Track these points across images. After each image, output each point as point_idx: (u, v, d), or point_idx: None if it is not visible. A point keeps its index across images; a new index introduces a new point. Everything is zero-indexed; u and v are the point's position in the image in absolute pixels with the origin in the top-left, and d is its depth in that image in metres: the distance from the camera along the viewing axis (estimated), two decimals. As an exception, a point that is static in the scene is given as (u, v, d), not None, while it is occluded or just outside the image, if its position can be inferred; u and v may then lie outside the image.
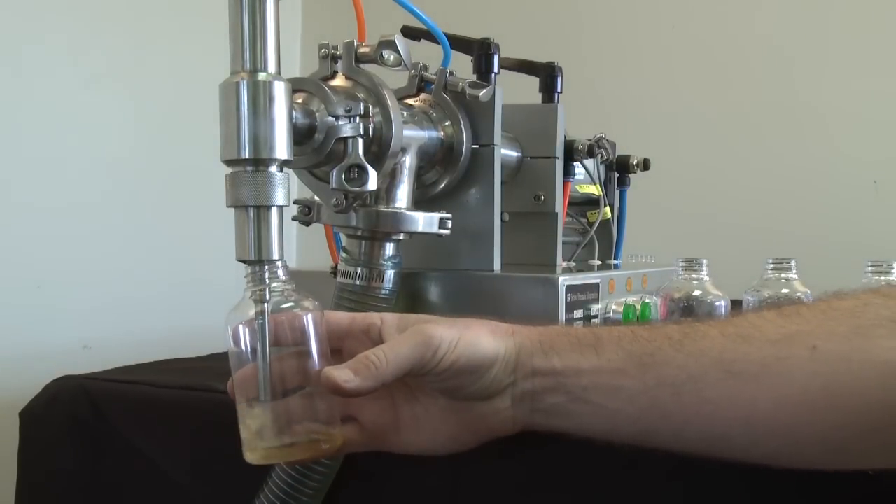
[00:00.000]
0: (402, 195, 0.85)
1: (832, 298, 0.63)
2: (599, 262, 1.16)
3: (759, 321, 0.62)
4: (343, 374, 0.60)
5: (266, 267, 0.63)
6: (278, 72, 0.67)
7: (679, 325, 0.63)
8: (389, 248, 0.85)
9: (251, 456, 0.63)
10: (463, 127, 0.92)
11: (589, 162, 1.10)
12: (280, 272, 0.64)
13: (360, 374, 0.61)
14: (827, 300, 0.63)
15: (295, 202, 0.85)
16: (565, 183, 1.05)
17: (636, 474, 0.74)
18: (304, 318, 0.63)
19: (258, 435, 0.62)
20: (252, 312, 0.62)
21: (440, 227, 0.86)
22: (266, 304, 0.63)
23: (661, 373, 0.61)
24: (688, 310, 0.86)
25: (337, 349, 0.67)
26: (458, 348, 0.62)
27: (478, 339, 0.63)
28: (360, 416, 0.67)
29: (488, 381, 0.63)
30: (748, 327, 0.61)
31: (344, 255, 0.86)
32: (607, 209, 1.18)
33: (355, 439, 0.67)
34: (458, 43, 0.96)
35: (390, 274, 0.84)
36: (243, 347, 0.62)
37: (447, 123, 0.92)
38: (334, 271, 0.88)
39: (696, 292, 0.87)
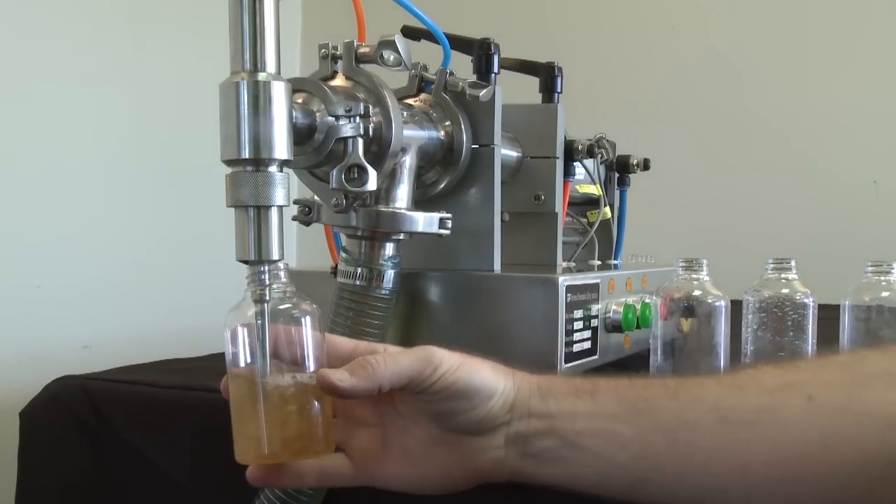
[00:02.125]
0: (402, 195, 0.85)
1: (829, 353, 0.63)
2: (599, 262, 1.16)
3: (755, 372, 0.61)
4: (338, 374, 0.60)
5: (266, 268, 0.63)
6: (278, 72, 0.67)
7: (676, 376, 0.63)
8: (389, 249, 0.85)
9: (242, 458, 0.62)
10: (463, 127, 0.92)
11: (589, 162, 1.10)
12: (281, 273, 0.63)
13: (357, 375, 0.60)
14: (823, 354, 0.62)
15: (295, 202, 0.85)
16: (565, 183, 1.05)
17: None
18: (303, 320, 0.62)
19: (250, 437, 0.62)
20: (251, 313, 0.62)
21: (440, 227, 0.86)
22: (265, 305, 0.62)
23: (655, 418, 0.60)
24: (688, 310, 0.86)
25: None
26: (459, 371, 0.61)
27: (479, 368, 0.63)
28: (348, 445, 0.66)
29: (483, 412, 0.62)
30: (744, 377, 0.61)
31: (344, 255, 0.85)
32: (607, 209, 1.18)
33: (343, 471, 0.66)
34: (458, 43, 0.96)
35: (390, 274, 0.84)
36: (240, 348, 0.62)
37: (447, 123, 0.92)
38: (334, 271, 0.88)
39: (696, 292, 0.87)
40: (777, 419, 0.58)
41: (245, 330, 0.62)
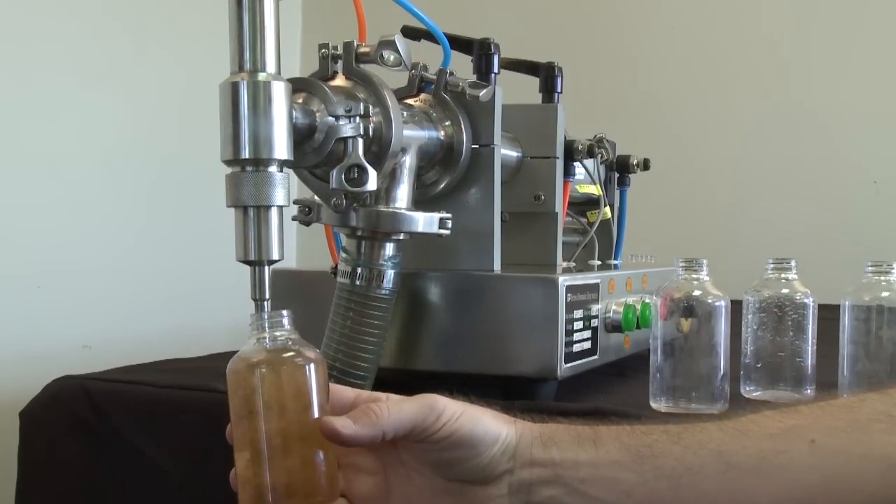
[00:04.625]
0: (402, 195, 0.85)
1: (829, 397, 0.63)
2: (599, 262, 1.16)
3: (757, 416, 0.61)
4: (341, 421, 0.60)
5: (268, 315, 0.62)
6: (278, 72, 0.67)
7: (677, 422, 0.63)
8: (389, 249, 0.85)
9: None
10: (463, 127, 0.92)
11: (589, 162, 1.10)
12: (284, 321, 0.62)
13: (360, 422, 0.60)
14: (824, 398, 0.63)
15: (295, 202, 0.85)
16: (565, 183, 1.05)
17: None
18: (306, 368, 0.61)
19: (254, 486, 0.61)
20: (254, 360, 0.61)
21: (440, 227, 0.86)
22: (267, 353, 0.61)
23: (658, 464, 0.60)
24: (688, 310, 0.86)
25: None
26: (461, 419, 0.61)
27: (481, 416, 0.62)
28: (351, 493, 0.65)
29: (485, 460, 0.62)
30: (746, 422, 0.61)
31: (344, 255, 0.85)
32: (607, 209, 1.18)
33: None
34: (458, 43, 0.96)
35: (390, 274, 0.84)
36: (242, 396, 0.61)
37: (447, 123, 0.92)
38: (334, 271, 0.88)
39: (696, 292, 0.87)
40: (780, 464, 0.58)
41: (247, 378, 0.61)
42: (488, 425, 0.62)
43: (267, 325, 0.62)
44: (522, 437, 0.62)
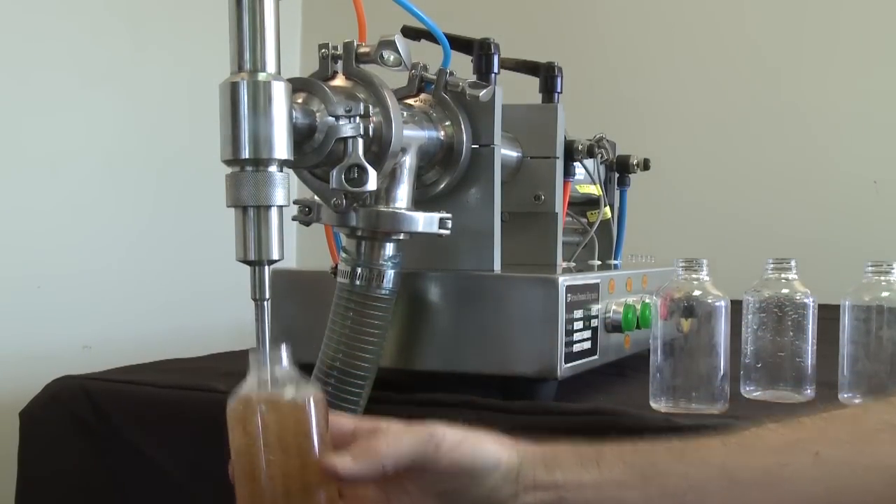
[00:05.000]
0: (402, 195, 0.85)
1: (833, 408, 0.63)
2: (599, 262, 1.16)
3: (760, 430, 0.61)
4: (341, 460, 0.59)
5: (268, 351, 0.62)
6: (278, 72, 0.67)
7: (680, 437, 0.62)
8: (389, 249, 0.85)
9: None
10: (463, 127, 0.92)
11: (589, 162, 1.10)
12: (283, 357, 0.62)
13: (359, 460, 0.59)
14: (828, 410, 0.62)
15: (295, 202, 0.85)
16: (565, 183, 1.05)
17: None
18: (306, 405, 0.61)
19: None
20: (254, 398, 0.61)
21: (440, 227, 0.86)
22: (268, 391, 0.61)
23: (662, 483, 0.60)
24: (688, 310, 0.86)
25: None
26: (461, 448, 0.61)
27: (481, 442, 0.62)
28: None
29: (489, 487, 0.61)
30: (750, 436, 0.61)
31: (344, 255, 0.85)
32: (607, 209, 1.18)
33: None
34: (458, 43, 0.96)
35: (390, 274, 0.84)
36: (241, 433, 0.61)
37: (447, 123, 0.92)
38: (334, 271, 0.88)
39: (696, 292, 0.87)
40: (785, 477, 0.58)
41: (245, 417, 0.61)
42: (489, 451, 0.61)
43: (266, 362, 0.62)
44: (525, 461, 0.62)
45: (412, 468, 0.60)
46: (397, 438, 0.60)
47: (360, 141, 0.78)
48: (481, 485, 0.61)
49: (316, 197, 0.84)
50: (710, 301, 0.87)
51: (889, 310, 0.89)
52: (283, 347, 0.62)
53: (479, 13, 2.00)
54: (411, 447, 0.60)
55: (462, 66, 0.95)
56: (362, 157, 0.78)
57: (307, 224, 0.87)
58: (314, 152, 0.78)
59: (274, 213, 0.66)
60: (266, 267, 0.66)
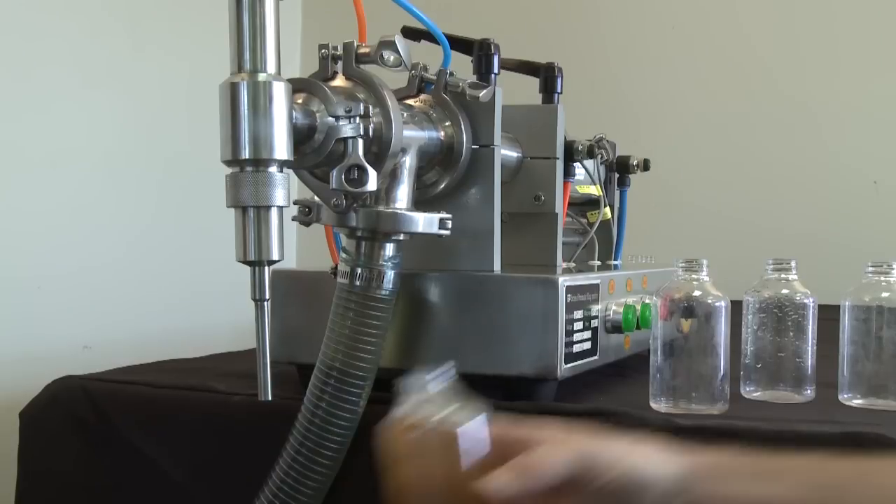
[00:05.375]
0: (402, 196, 0.85)
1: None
2: (599, 263, 1.16)
3: None
4: (500, 479, 0.57)
5: (436, 374, 0.61)
6: (278, 72, 0.67)
7: (864, 451, 0.59)
8: (389, 249, 0.84)
9: None
10: (463, 127, 0.92)
11: (589, 162, 1.10)
12: (447, 378, 0.61)
13: (515, 479, 0.57)
14: None
15: (295, 202, 0.85)
16: (565, 183, 1.05)
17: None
18: (476, 426, 0.60)
19: None
20: (417, 422, 0.60)
21: (440, 228, 0.86)
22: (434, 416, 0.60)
23: None
24: (688, 310, 0.86)
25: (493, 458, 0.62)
26: (620, 465, 0.58)
27: (643, 455, 0.59)
28: None
29: (648, 503, 0.58)
30: None
31: (344, 255, 0.85)
32: (607, 209, 1.18)
33: None
34: (458, 43, 0.96)
35: (390, 275, 0.84)
36: (404, 459, 0.60)
37: (447, 124, 0.92)
38: (334, 272, 0.88)
39: (696, 292, 0.87)
40: None
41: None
42: (650, 466, 0.58)
43: (431, 386, 0.61)
44: (690, 473, 0.59)
45: (568, 484, 0.58)
46: (554, 453, 0.58)
47: (360, 141, 0.78)
48: (640, 501, 0.58)
49: (316, 197, 0.84)
50: (710, 301, 0.87)
51: (889, 310, 0.89)
52: (449, 366, 0.61)
53: (479, 13, 2.00)
54: (567, 465, 0.58)
55: (462, 67, 0.95)
56: (362, 158, 0.78)
57: (307, 224, 0.87)
58: (314, 153, 0.78)
59: (274, 213, 0.66)
60: (266, 267, 0.66)
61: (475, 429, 0.60)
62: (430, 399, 0.61)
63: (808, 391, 0.92)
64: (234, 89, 0.65)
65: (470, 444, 0.60)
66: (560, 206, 1.04)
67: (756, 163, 1.92)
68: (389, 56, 0.83)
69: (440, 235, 0.86)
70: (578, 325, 0.91)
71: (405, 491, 0.60)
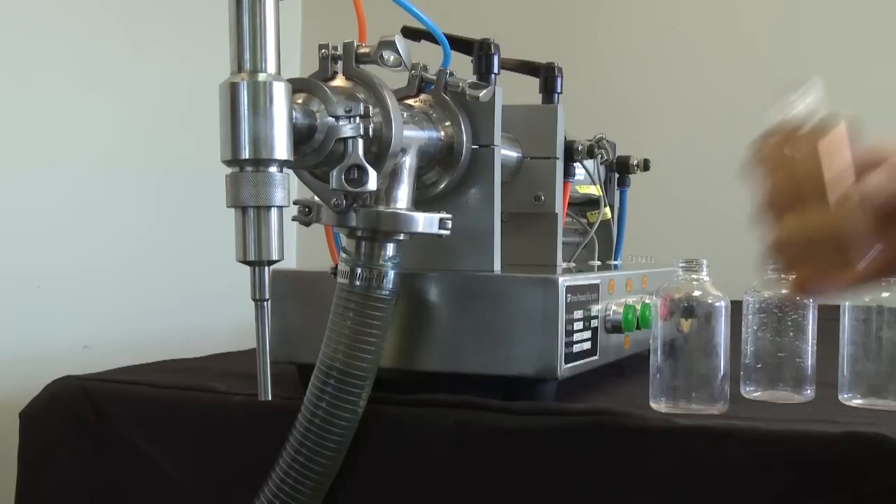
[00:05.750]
0: (402, 196, 0.85)
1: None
2: (599, 263, 1.16)
3: None
4: (871, 181, 0.56)
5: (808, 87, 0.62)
6: (278, 72, 0.67)
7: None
8: (390, 249, 0.85)
9: None
10: (463, 127, 0.92)
11: (589, 162, 1.10)
12: (816, 88, 0.62)
13: (890, 177, 0.55)
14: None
15: (295, 202, 0.85)
16: (565, 183, 1.05)
17: (643, 467, 0.75)
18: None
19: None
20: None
21: (440, 228, 0.86)
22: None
23: None
24: (688, 310, 0.86)
25: None
26: None
27: None
28: None
29: None
30: None
31: (344, 255, 0.85)
32: (607, 209, 1.19)
33: None
34: (458, 43, 0.96)
35: (390, 274, 0.84)
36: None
37: (447, 124, 0.92)
38: (334, 272, 0.88)
39: (696, 292, 0.87)
40: None
41: None
42: None
43: (797, 103, 0.63)
44: None
45: None
46: None
47: (360, 141, 0.78)
48: None
49: (316, 197, 0.85)
50: (710, 301, 0.87)
51: (889, 310, 0.89)
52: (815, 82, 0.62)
53: (480, 13, 2.00)
54: None
55: (462, 67, 0.95)
56: (362, 158, 0.78)
57: (307, 224, 0.87)
58: (314, 153, 0.78)
59: (274, 213, 0.66)
60: (266, 267, 0.66)
61: (838, 139, 0.62)
62: (797, 113, 0.62)
63: (808, 391, 0.92)
64: (233, 89, 0.65)
65: (836, 150, 0.60)
66: (560, 206, 1.04)
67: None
68: (389, 56, 0.83)
69: (440, 235, 0.86)
70: (578, 325, 0.91)
71: (777, 197, 0.62)
